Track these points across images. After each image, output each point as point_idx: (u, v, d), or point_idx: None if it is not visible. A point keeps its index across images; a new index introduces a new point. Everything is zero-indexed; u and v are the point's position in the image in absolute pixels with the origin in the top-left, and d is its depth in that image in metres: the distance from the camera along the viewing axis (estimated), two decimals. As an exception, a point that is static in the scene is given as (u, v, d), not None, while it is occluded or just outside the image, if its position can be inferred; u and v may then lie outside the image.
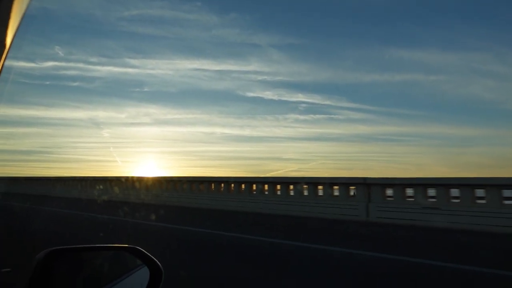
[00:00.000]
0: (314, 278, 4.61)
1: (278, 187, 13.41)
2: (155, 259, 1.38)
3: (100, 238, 7.19)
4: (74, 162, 41.04)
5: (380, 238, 8.17)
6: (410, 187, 10.48)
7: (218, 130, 36.76)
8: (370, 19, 30.49)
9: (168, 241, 7.38)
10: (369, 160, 33.73)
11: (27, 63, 34.38)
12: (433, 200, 9.91)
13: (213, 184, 15.54)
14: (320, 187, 12.10)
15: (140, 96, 36.97)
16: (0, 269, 4.35)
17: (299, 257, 6.02)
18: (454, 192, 9.77)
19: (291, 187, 13.06)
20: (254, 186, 14.12)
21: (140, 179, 18.05)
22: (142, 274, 1.46)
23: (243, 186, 14.34)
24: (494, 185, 9.03)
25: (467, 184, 9.43)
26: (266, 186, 13.82)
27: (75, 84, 35.45)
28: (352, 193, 11.60)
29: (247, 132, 35.89)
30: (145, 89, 35.41)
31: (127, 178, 18.48)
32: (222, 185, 15.15)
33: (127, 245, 1.44)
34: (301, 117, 32.97)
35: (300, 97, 32.97)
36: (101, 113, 37.85)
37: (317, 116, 32.85)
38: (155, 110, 37.73)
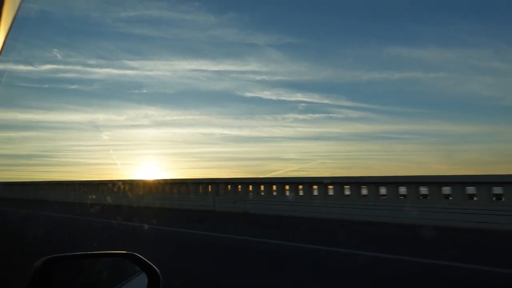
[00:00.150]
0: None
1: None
2: (153, 265, 1.39)
3: (102, 243, 7.17)
4: (74, 166, 40.92)
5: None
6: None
7: (217, 131, 36.75)
8: (368, 18, 30.59)
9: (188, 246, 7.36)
10: (369, 159, 33.78)
11: (25, 67, 34.33)
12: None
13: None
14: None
15: (139, 98, 36.94)
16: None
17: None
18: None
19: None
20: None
21: (140, 182, 18.03)
22: (141, 281, 1.46)
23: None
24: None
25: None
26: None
27: (74, 87, 35.40)
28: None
29: (246, 132, 35.89)
30: (144, 91, 35.40)
31: (126, 181, 18.43)
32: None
33: (125, 252, 1.44)
34: (300, 116, 33.00)
35: (299, 96, 33.01)
36: (100, 116, 37.81)
37: (316, 115, 32.88)
38: (154, 112, 37.71)
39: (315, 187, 12.44)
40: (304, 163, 33.63)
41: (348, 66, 31.78)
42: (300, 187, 12.84)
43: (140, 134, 38.39)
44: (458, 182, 9.52)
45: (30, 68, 33.93)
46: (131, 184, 18.26)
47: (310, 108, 33.24)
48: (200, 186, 16.19)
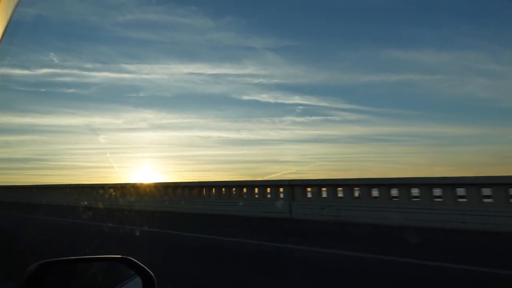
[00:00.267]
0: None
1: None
2: (147, 269, 1.38)
3: (98, 247, 7.12)
4: (71, 169, 40.81)
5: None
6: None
7: (215, 134, 36.75)
8: (365, 20, 30.78)
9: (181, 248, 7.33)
10: (366, 161, 33.91)
11: (22, 71, 34.24)
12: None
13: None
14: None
15: (136, 101, 36.92)
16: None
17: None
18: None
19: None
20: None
21: (137, 186, 17.86)
22: (136, 285, 1.45)
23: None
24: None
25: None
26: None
27: (71, 90, 35.33)
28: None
29: (243, 135, 35.92)
30: (141, 94, 35.37)
31: (124, 185, 18.34)
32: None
33: (119, 256, 1.44)
34: (298, 119, 33.10)
35: (296, 99, 33.10)
36: (97, 119, 37.73)
37: (314, 118, 32.97)
38: (151, 115, 37.69)
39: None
40: (302, 165, 33.67)
41: (345, 69, 31.96)
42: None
43: (137, 137, 38.35)
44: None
45: (26, 72, 33.85)
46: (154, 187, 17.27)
47: (308, 110, 33.35)
48: (269, 189, 13.65)
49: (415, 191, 10.35)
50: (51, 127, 40.29)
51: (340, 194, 11.83)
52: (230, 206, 14.31)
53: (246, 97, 33.75)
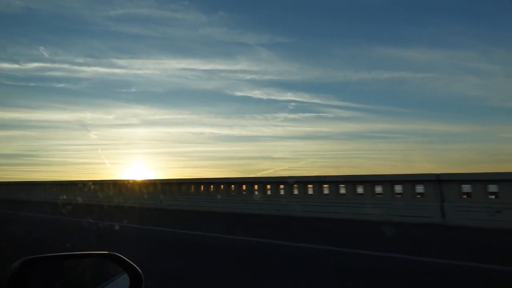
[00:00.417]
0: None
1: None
2: (134, 265, 1.37)
3: (86, 244, 7.06)
4: (62, 165, 40.40)
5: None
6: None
7: (207, 130, 36.73)
8: (358, 18, 31.04)
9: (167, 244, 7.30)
10: (358, 158, 34.29)
11: (11, 65, 33.67)
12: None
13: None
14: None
15: (128, 96, 36.67)
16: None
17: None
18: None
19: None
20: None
21: (128, 182, 17.68)
22: (123, 281, 1.44)
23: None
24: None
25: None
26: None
27: (61, 85, 34.91)
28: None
29: (236, 131, 35.96)
30: (133, 90, 35.11)
31: (115, 181, 18.16)
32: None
33: (106, 252, 1.43)
34: (290, 116, 33.27)
35: (289, 96, 33.27)
36: (88, 115, 37.38)
37: (306, 114, 33.18)
38: (143, 111, 37.46)
39: None
40: (294, 162, 33.88)
41: (337, 66, 32.19)
42: None
43: (129, 133, 38.10)
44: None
45: (15, 66, 33.30)
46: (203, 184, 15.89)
47: (300, 107, 33.55)
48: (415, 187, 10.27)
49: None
50: (41, 123, 39.81)
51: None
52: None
53: (239, 93, 33.78)
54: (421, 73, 30.21)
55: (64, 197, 19.54)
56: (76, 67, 33.72)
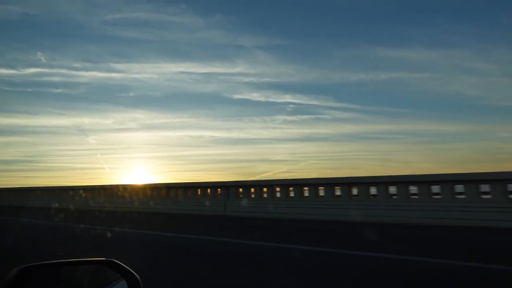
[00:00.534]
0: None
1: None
2: (132, 271, 1.37)
3: (81, 250, 7.01)
4: (60, 171, 40.24)
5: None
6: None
7: (206, 133, 36.72)
8: (354, 19, 31.23)
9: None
10: (357, 159, 34.36)
11: (9, 70, 33.57)
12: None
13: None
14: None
15: (126, 101, 36.66)
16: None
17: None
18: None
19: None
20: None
21: (128, 187, 17.59)
22: (121, 287, 1.44)
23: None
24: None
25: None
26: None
27: (59, 90, 34.85)
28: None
29: (235, 134, 35.98)
30: (131, 94, 35.08)
31: (114, 186, 18.07)
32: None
33: (104, 258, 1.42)
34: (289, 118, 33.33)
35: (287, 98, 33.36)
36: (86, 120, 37.30)
37: (305, 116, 33.25)
38: (141, 115, 37.43)
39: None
40: (293, 164, 33.92)
41: (335, 68, 32.32)
42: None
43: (127, 137, 38.03)
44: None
45: (13, 71, 33.21)
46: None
47: (299, 109, 33.63)
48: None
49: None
50: (39, 128, 39.68)
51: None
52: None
53: (237, 96, 33.82)
54: (419, 73, 30.43)
55: (56, 204, 19.41)
56: (73, 72, 33.70)
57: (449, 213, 9.15)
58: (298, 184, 12.22)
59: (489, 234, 7.80)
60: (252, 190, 13.43)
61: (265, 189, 12.93)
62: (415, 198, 10.04)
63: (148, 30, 33.08)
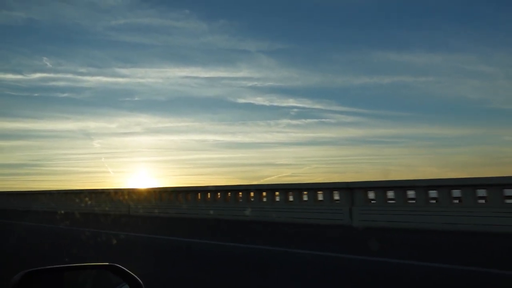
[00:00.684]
0: None
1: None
2: (135, 276, 1.37)
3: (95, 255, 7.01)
4: (65, 174, 40.54)
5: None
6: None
7: (210, 137, 36.77)
8: (357, 23, 31.28)
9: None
10: (362, 163, 34.23)
11: (15, 75, 33.94)
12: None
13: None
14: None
15: (131, 105, 36.88)
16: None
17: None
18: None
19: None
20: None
21: (132, 191, 17.59)
22: (125, 293, 1.44)
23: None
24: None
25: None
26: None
27: (64, 95, 35.15)
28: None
29: (239, 138, 36.00)
30: (136, 98, 35.30)
31: (119, 190, 18.09)
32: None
33: (107, 263, 1.43)
34: (293, 122, 33.32)
35: (291, 102, 33.37)
36: (91, 124, 37.55)
37: (309, 120, 33.22)
38: (146, 119, 37.61)
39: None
40: (297, 168, 33.84)
41: (339, 71, 32.34)
42: None
43: (132, 141, 38.20)
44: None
45: (19, 76, 33.57)
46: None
47: (303, 113, 33.61)
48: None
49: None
50: (45, 132, 39.99)
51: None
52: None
53: (241, 100, 33.90)
54: (422, 77, 30.36)
55: (60, 207, 19.47)
56: (79, 77, 34.02)
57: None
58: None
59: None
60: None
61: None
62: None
63: (152, 35, 33.38)
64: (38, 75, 34.01)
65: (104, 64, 35.20)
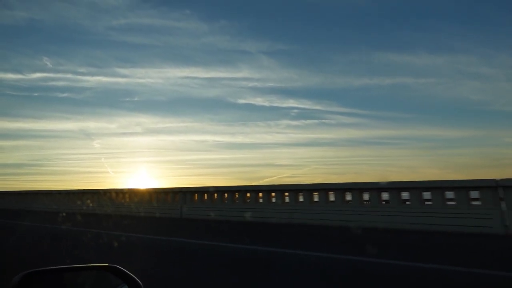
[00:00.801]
0: None
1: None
2: (135, 277, 1.38)
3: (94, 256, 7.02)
4: (65, 174, 40.58)
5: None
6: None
7: (210, 138, 36.79)
8: (358, 24, 31.31)
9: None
10: (362, 164, 34.20)
11: (15, 75, 34.00)
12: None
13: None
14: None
15: (131, 105, 36.93)
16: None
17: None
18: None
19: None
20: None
21: (132, 191, 17.60)
22: (124, 294, 1.44)
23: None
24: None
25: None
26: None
27: (64, 95, 35.20)
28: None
29: (239, 139, 36.00)
30: (136, 99, 35.33)
31: (118, 190, 18.11)
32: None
33: (106, 264, 1.43)
34: (293, 122, 33.32)
35: (291, 102, 33.38)
36: (91, 124, 37.60)
37: (309, 121, 33.21)
38: (146, 120, 37.65)
39: None
40: (297, 169, 33.83)
41: (339, 72, 32.33)
42: None
43: (132, 141, 38.24)
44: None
45: (19, 76, 33.63)
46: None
47: (303, 114, 33.61)
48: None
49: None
50: (45, 132, 40.06)
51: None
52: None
53: (241, 101, 33.90)
54: (423, 79, 30.35)
55: (60, 207, 19.51)
56: (79, 77, 34.08)
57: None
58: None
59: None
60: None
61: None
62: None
63: (152, 35, 33.45)
64: (38, 75, 34.13)
65: (104, 64, 35.30)
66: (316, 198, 11.88)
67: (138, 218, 15.16)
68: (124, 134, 38.43)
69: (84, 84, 34.36)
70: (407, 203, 10.13)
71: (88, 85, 34.37)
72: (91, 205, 18.81)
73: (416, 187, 9.91)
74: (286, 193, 12.55)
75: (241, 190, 13.79)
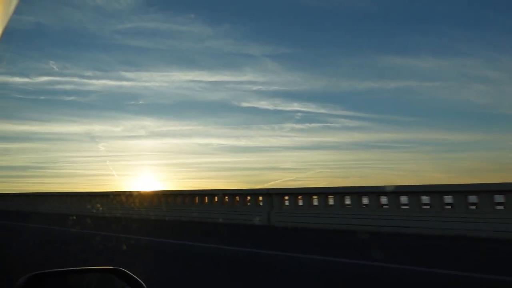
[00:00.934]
0: None
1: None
2: (140, 280, 1.37)
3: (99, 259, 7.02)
4: (70, 177, 40.77)
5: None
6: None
7: (214, 141, 36.79)
8: (362, 28, 31.19)
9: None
10: (366, 168, 34.01)
11: (22, 79, 34.35)
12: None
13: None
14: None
15: (136, 109, 37.14)
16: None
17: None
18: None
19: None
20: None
21: (136, 193, 17.58)
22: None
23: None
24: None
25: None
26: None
27: (70, 98, 35.45)
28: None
29: (243, 142, 35.98)
30: (140, 102, 35.50)
31: (123, 193, 18.11)
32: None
33: (111, 267, 1.43)
34: (297, 126, 33.23)
35: (295, 106, 33.30)
36: (96, 127, 37.84)
37: (313, 124, 33.11)
38: (150, 123, 37.80)
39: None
40: (301, 172, 33.71)
41: (343, 76, 32.25)
42: None
43: (137, 145, 38.39)
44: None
45: (26, 80, 33.97)
46: None
47: (307, 117, 33.52)
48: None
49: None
50: (51, 135, 40.38)
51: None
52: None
53: (245, 104, 33.90)
54: (428, 82, 30.17)
55: (66, 210, 19.56)
56: (85, 80, 34.33)
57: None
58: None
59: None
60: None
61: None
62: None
63: (157, 39, 33.63)
64: (44, 78, 34.42)
65: (109, 68, 35.55)
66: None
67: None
68: (129, 137, 38.63)
69: (89, 88, 34.64)
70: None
71: (93, 89, 34.63)
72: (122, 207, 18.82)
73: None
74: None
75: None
